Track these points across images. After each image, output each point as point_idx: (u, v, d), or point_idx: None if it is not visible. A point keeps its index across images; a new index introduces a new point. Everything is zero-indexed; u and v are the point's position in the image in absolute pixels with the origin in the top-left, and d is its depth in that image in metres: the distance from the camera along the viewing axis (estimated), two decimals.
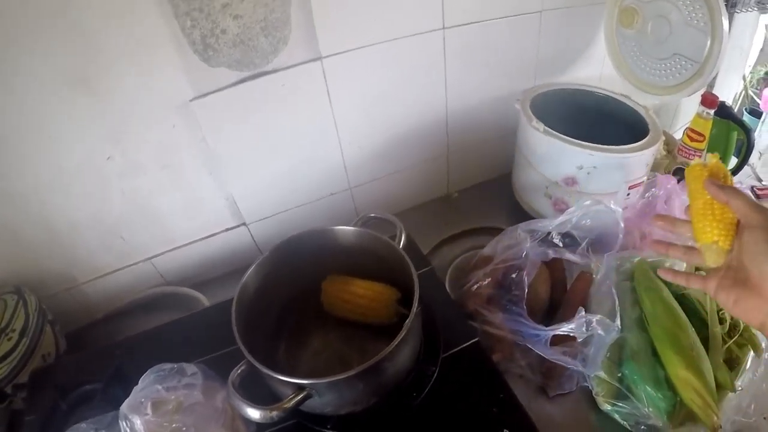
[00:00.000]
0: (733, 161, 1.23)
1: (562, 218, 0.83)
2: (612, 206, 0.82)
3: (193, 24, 0.75)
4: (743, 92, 1.52)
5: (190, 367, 0.71)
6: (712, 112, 1.01)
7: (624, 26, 1.03)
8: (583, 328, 0.71)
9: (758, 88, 1.53)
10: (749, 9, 1.12)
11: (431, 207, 1.19)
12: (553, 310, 0.87)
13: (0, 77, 0.68)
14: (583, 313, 0.72)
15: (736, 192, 0.55)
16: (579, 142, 0.89)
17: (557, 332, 0.72)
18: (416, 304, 0.64)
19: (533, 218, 1.03)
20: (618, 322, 0.76)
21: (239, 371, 0.63)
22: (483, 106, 1.10)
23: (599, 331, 0.72)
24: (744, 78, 1.50)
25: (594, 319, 0.72)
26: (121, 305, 0.97)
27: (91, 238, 0.88)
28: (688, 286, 0.68)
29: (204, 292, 0.97)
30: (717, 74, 1.42)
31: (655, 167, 1.16)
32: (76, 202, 0.84)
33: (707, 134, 1.04)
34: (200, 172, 0.90)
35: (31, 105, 0.72)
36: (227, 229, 0.99)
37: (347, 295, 0.76)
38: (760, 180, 1.34)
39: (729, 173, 0.60)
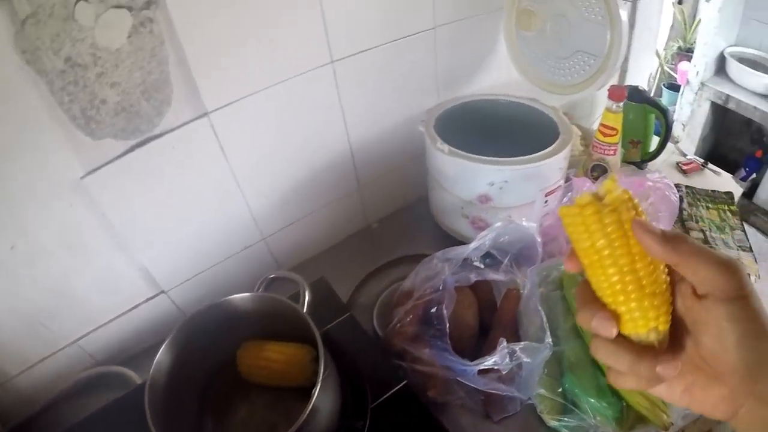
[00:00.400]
0: (654, 142, 1.23)
1: (475, 243, 0.80)
2: (524, 223, 0.79)
3: (71, 98, 0.70)
4: (659, 69, 1.52)
5: None
6: (621, 104, 0.99)
7: (522, 29, 1.00)
8: (507, 360, 0.68)
9: (673, 63, 1.54)
10: None
11: (352, 242, 1.15)
12: (486, 333, 0.85)
13: None
14: (505, 343, 0.69)
15: (690, 246, 0.35)
16: (485, 158, 0.86)
17: (481, 368, 0.70)
18: (321, 371, 0.60)
19: (455, 240, 1.00)
20: (548, 339, 0.74)
21: None
22: (388, 133, 1.06)
23: (525, 359, 0.69)
24: (658, 55, 1.50)
25: (517, 348, 0.69)
26: (57, 393, 0.91)
27: (14, 329, 0.83)
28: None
29: (136, 367, 0.92)
30: (627, 60, 1.42)
31: (574, 164, 1.14)
32: None
33: (620, 128, 1.01)
34: (107, 247, 0.84)
35: None
36: (147, 299, 0.94)
37: (262, 362, 0.72)
38: (684, 155, 1.33)
39: (638, 203, 0.38)
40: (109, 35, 0.68)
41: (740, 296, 0.33)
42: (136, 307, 0.93)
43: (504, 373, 0.70)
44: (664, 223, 0.91)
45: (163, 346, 0.69)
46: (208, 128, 0.82)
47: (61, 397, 0.93)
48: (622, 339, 0.37)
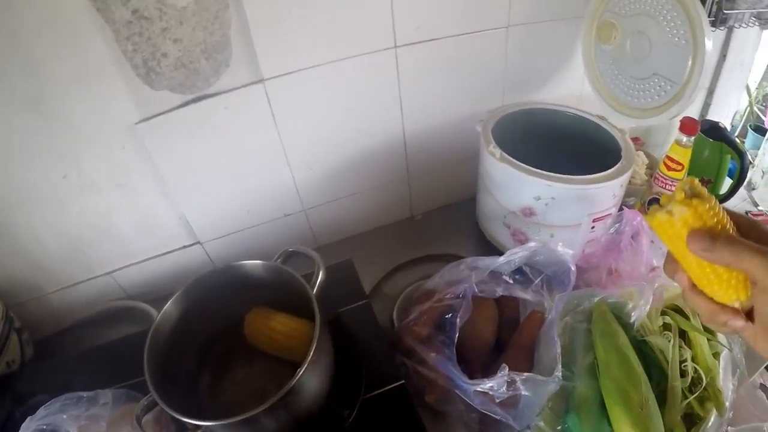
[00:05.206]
0: (727, 183, 1.11)
1: (504, 258, 0.72)
2: (560, 249, 0.73)
3: (135, 48, 0.71)
4: (748, 108, 1.38)
5: (105, 395, 0.67)
6: (692, 139, 0.88)
7: (601, 42, 0.91)
8: (503, 389, 0.63)
9: (764, 104, 1.38)
10: (746, 25, 0.98)
11: (392, 229, 1.10)
12: (502, 350, 0.79)
13: None
14: (506, 371, 0.63)
15: (732, 249, 0.41)
16: (536, 170, 0.78)
17: (477, 389, 0.66)
18: (312, 350, 0.57)
19: (494, 247, 0.95)
20: (558, 373, 0.67)
21: (146, 403, 0.59)
22: (445, 127, 0.99)
23: (523, 392, 0.62)
24: (749, 94, 1.36)
25: (518, 379, 0.62)
26: (85, 316, 0.94)
27: (55, 250, 0.86)
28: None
29: (162, 307, 0.95)
30: (713, 94, 1.29)
31: (633, 193, 1.04)
32: (37, 217, 0.82)
33: (686, 163, 0.89)
34: (152, 191, 0.85)
35: None
36: (183, 247, 0.94)
37: (266, 330, 0.69)
38: (756, 205, 1.20)
39: (716, 204, 0.43)
40: None
41: None
42: (170, 252, 0.94)
43: (497, 401, 0.66)
44: None
45: (171, 299, 0.68)
46: (262, 95, 0.80)
47: (89, 321, 0.96)
48: (704, 296, 0.46)
